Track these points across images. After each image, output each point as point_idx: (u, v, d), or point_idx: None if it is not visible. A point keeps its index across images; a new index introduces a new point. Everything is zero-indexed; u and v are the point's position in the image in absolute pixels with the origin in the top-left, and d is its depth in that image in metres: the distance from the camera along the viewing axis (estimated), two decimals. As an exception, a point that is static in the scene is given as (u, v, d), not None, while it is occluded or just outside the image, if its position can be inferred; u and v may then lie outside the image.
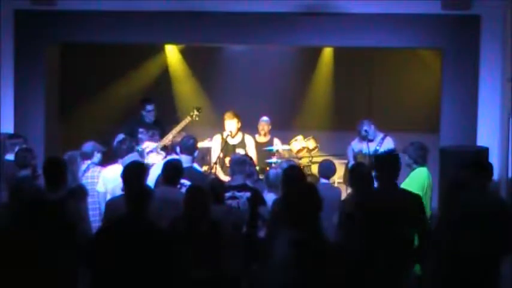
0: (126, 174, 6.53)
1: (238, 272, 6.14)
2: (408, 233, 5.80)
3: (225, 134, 9.46)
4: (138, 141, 9.45)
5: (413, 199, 5.96)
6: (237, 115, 9.50)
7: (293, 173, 6.66)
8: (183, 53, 11.41)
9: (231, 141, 9.52)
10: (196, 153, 7.90)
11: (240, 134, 9.61)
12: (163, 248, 5.45)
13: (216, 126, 10.05)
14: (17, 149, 7.82)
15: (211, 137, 9.84)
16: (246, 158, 7.76)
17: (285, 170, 6.86)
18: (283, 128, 10.54)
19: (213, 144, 9.62)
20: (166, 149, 9.33)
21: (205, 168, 9.67)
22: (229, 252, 5.98)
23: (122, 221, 5.52)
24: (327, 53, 11.23)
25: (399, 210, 5.74)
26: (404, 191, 6.19)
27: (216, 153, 9.45)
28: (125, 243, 5.37)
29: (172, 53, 11.48)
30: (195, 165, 7.94)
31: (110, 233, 5.51)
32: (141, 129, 9.46)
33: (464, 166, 6.31)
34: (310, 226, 5.38)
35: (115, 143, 9.17)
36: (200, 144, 9.11)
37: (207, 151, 9.93)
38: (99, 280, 5.47)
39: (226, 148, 9.37)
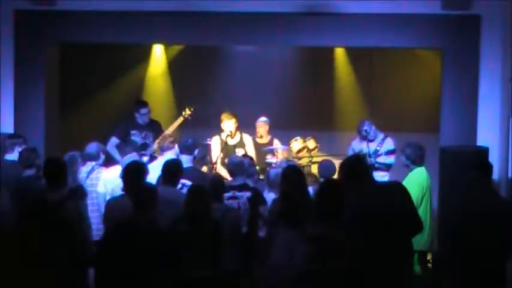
0: (126, 175, 6.54)
1: (238, 272, 6.15)
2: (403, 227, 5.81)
3: (223, 134, 9.46)
4: (132, 144, 9.42)
5: (398, 189, 5.98)
6: (234, 115, 9.50)
7: (292, 174, 6.64)
8: (183, 53, 11.41)
9: (230, 142, 9.52)
10: (196, 152, 7.88)
11: (238, 134, 9.62)
12: (170, 247, 5.45)
13: (216, 126, 10.06)
14: (16, 149, 7.82)
15: (210, 137, 9.84)
16: (243, 159, 7.75)
17: (283, 170, 6.86)
18: (284, 128, 10.53)
19: (212, 146, 9.61)
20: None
21: (205, 168, 9.66)
22: (229, 252, 5.99)
23: (129, 221, 5.51)
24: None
25: (393, 207, 5.76)
26: (386, 183, 6.21)
27: (215, 154, 9.45)
28: (133, 244, 5.37)
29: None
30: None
31: (118, 233, 5.50)
32: (133, 131, 9.45)
33: (473, 166, 6.31)
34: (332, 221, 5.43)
35: (108, 146, 9.17)
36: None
37: (207, 151, 9.93)
38: (105, 280, 5.47)
39: (227, 149, 9.36)
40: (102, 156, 8.02)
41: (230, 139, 9.48)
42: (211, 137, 9.80)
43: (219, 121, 9.58)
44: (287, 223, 5.91)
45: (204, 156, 9.67)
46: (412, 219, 5.81)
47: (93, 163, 7.88)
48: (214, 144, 9.59)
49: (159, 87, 11.50)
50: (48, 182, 6.58)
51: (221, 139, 9.52)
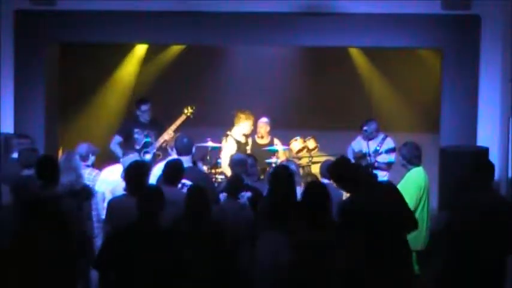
0: (128, 175, 6.53)
1: (238, 272, 6.14)
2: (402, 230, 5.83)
3: (239, 135, 9.52)
4: (135, 142, 9.49)
5: (390, 188, 6.00)
6: (253, 114, 9.59)
7: (282, 173, 6.58)
8: (184, 52, 11.40)
9: (242, 140, 9.54)
10: (193, 150, 7.82)
11: None
12: (178, 250, 5.45)
13: (216, 126, 10.06)
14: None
15: (210, 137, 9.82)
16: (247, 158, 7.73)
17: (273, 170, 6.85)
18: (284, 128, 10.53)
19: (226, 146, 9.59)
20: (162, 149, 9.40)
21: (205, 168, 9.66)
22: (229, 252, 5.99)
23: (136, 224, 5.49)
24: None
25: (388, 207, 5.77)
26: (377, 183, 6.26)
27: (228, 154, 9.45)
28: (141, 246, 5.36)
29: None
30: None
31: (125, 236, 5.48)
32: (136, 130, 9.54)
33: (468, 166, 6.33)
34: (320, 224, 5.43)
35: (111, 144, 9.33)
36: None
37: (206, 151, 9.92)
38: (111, 282, 5.46)
39: (240, 148, 9.44)
40: (92, 158, 8.01)
41: (243, 137, 9.52)
42: (210, 137, 9.80)
43: (233, 120, 9.62)
44: (274, 224, 5.92)
45: (205, 156, 9.70)
46: (406, 218, 5.83)
47: (82, 163, 7.87)
48: (229, 144, 9.56)
49: (159, 86, 11.49)
50: (41, 180, 6.59)
51: (235, 139, 9.52)
